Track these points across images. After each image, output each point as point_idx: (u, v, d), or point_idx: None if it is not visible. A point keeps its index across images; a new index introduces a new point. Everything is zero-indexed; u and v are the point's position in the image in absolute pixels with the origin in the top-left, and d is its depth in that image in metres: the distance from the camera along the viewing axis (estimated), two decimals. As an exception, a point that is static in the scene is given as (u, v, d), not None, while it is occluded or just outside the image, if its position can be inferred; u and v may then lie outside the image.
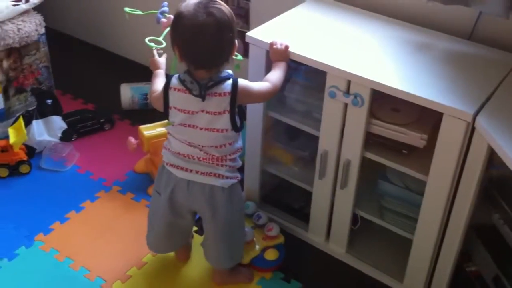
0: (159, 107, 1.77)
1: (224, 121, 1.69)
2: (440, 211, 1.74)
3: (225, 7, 1.66)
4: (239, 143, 1.81)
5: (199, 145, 1.74)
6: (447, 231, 1.76)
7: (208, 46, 1.64)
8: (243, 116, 1.77)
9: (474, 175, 1.61)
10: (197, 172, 1.77)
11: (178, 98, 1.71)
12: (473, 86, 1.69)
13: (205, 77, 1.67)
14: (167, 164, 1.81)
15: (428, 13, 2.00)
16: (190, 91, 1.68)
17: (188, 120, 1.71)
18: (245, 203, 2.15)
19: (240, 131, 1.76)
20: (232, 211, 1.83)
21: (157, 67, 1.90)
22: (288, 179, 2.12)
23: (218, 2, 1.66)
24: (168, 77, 1.75)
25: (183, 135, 1.75)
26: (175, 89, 1.71)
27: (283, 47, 1.83)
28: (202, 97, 1.67)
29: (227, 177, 1.79)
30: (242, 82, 1.71)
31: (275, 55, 1.85)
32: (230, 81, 1.68)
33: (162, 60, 1.92)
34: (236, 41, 1.69)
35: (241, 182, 1.86)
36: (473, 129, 1.57)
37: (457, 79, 1.72)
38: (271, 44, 1.85)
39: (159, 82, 1.82)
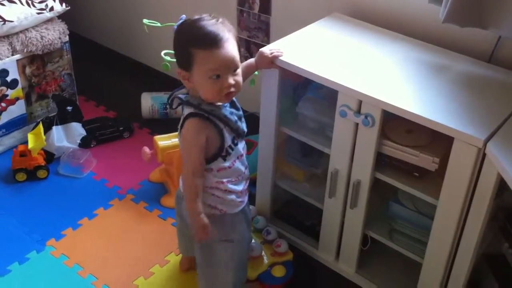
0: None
1: None
2: (450, 236, 1.70)
3: (205, 26, 1.57)
4: (218, 179, 1.68)
5: None
6: (457, 257, 1.72)
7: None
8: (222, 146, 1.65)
9: (484, 202, 1.57)
10: None
11: None
12: (488, 110, 1.65)
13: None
14: None
15: (449, 34, 1.97)
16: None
17: None
18: (255, 218, 2.14)
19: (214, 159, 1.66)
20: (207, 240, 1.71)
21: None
22: (299, 196, 2.11)
23: (215, 21, 1.60)
24: None
25: None
26: None
27: (270, 54, 1.83)
28: (169, 104, 1.71)
29: (208, 205, 1.71)
30: (192, 122, 1.61)
31: (261, 60, 1.85)
32: (191, 109, 1.62)
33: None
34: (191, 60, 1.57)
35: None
36: (484, 155, 1.54)
37: (471, 103, 1.69)
38: (261, 49, 1.85)
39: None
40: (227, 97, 1.61)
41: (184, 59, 1.59)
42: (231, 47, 1.58)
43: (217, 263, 1.78)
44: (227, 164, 1.68)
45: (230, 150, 1.67)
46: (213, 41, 1.55)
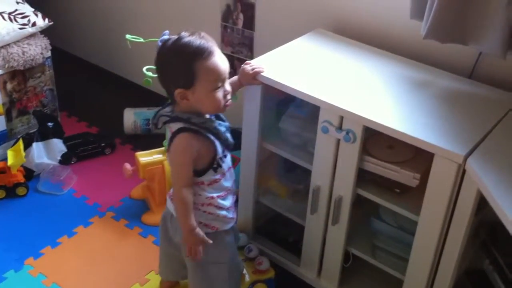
0: None
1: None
2: (431, 252, 1.69)
3: (192, 41, 1.58)
4: (209, 193, 1.69)
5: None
6: (438, 273, 1.71)
7: (156, 65, 1.66)
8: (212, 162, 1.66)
9: (464, 218, 1.56)
10: None
11: None
12: (469, 126, 1.65)
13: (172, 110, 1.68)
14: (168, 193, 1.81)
15: (430, 50, 1.98)
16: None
17: None
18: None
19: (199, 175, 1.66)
20: (201, 261, 1.71)
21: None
22: (281, 212, 2.09)
23: (198, 35, 1.61)
24: None
25: None
26: None
27: (251, 71, 1.82)
28: (154, 124, 1.68)
29: (199, 222, 1.69)
30: (182, 137, 1.60)
31: (243, 76, 1.84)
32: (181, 125, 1.61)
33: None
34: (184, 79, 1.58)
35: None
36: (464, 171, 1.53)
37: (452, 119, 1.69)
38: (242, 65, 1.84)
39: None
40: (226, 106, 1.64)
41: (187, 77, 1.58)
42: (222, 55, 1.62)
43: (214, 284, 1.78)
44: (217, 176, 1.69)
45: (220, 162, 1.68)
46: (209, 52, 1.58)
